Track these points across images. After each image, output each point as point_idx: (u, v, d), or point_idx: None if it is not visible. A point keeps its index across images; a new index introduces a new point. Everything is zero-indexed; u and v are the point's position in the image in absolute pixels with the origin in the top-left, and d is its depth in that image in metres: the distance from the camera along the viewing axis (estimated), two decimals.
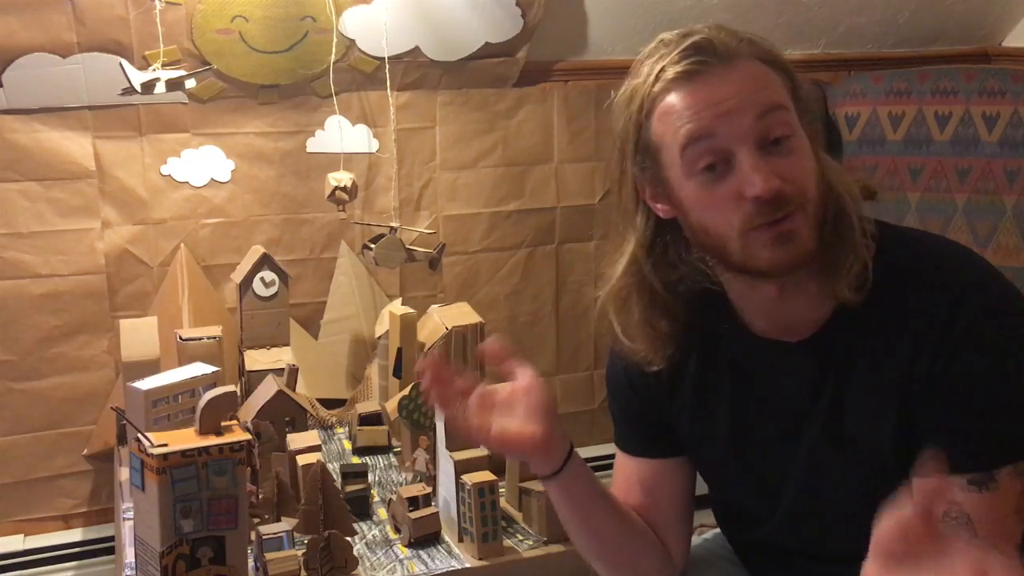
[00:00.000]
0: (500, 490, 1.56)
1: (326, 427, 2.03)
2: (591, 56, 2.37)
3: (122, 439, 1.86)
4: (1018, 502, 1.05)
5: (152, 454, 1.26)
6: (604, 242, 2.41)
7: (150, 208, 2.11)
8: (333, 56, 2.09)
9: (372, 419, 1.93)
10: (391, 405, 1.94)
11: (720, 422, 1.22)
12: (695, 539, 1.40)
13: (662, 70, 1.07)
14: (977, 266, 1.12)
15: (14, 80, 1.96)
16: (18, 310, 2.05)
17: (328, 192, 2.04)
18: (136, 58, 2.00)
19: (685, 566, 1.33)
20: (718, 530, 1.41)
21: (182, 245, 2.14)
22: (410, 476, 1.76)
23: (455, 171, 2.32)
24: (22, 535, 2.12)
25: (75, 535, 2.15)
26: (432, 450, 1.68)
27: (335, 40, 2.08)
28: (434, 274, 2.25)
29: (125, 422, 1.68)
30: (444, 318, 1.99)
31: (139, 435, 1.30)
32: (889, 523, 0.77)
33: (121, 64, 1.93)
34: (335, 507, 1.56)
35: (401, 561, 1.53)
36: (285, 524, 1.52)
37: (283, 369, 1.90)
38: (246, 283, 2.01)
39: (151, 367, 1.75)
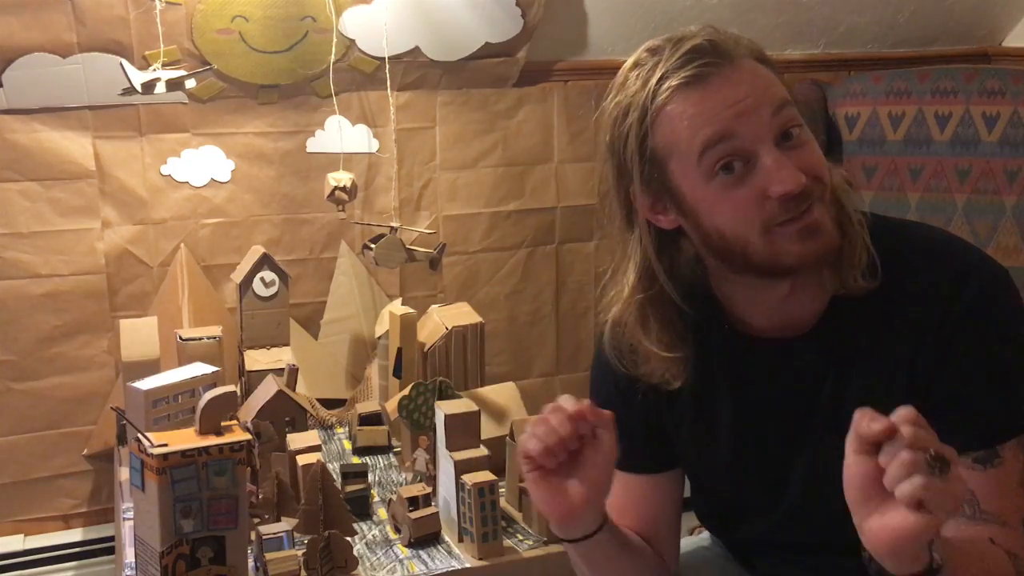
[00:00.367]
0: (500, 490, 1.56)
1: (326, 427, 2.03)
2: (591, 56, 2.36)
3: (122, 439, 1.85)
4: (1023, 475, 1.06)
5: (152, 454, 1.26)
6: (604, 242, 2.42)
7: (150, 208, 2.11)
8: (333, 56, 2.09)
9: (372, 419, 1.93)
10: (391, 405, 1.94)
11: (721, 427, 1.22)
12: (690, 539, 1.39)
13: (663, 77, 1.05)
14: (968, 248, 1.14)
15: (14, 80, 1.96)
16: (18, 310, 2.05)
17: (328, 192, 2.04)
18: (136, 58, 2.00)
19: (677, 566, 1.32)
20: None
21: (182, 245, 2.14)
22: (410, 476, 1.76)
23: (455, 171, 2.32)
24: (22, 535, 2.13)
25: (75, 535, 2.15)
26: (432, 450, 1.68)
27: (335, 40, 2.08)
28: (434, 274, 2.25)
29: (125, 422, 1.68)
30: (444, 318, 1.99)
31: (139, 435, 1.30)
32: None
33: (121, 64, 1.93)
34: (335, 507, 1.56)
35: (401, 561, 1.53)
36: (285, 524, 1.52)
37: (283, 369, 1.90)
38: (246, 283, 2.01)
39: (151, 367, 1.75)
